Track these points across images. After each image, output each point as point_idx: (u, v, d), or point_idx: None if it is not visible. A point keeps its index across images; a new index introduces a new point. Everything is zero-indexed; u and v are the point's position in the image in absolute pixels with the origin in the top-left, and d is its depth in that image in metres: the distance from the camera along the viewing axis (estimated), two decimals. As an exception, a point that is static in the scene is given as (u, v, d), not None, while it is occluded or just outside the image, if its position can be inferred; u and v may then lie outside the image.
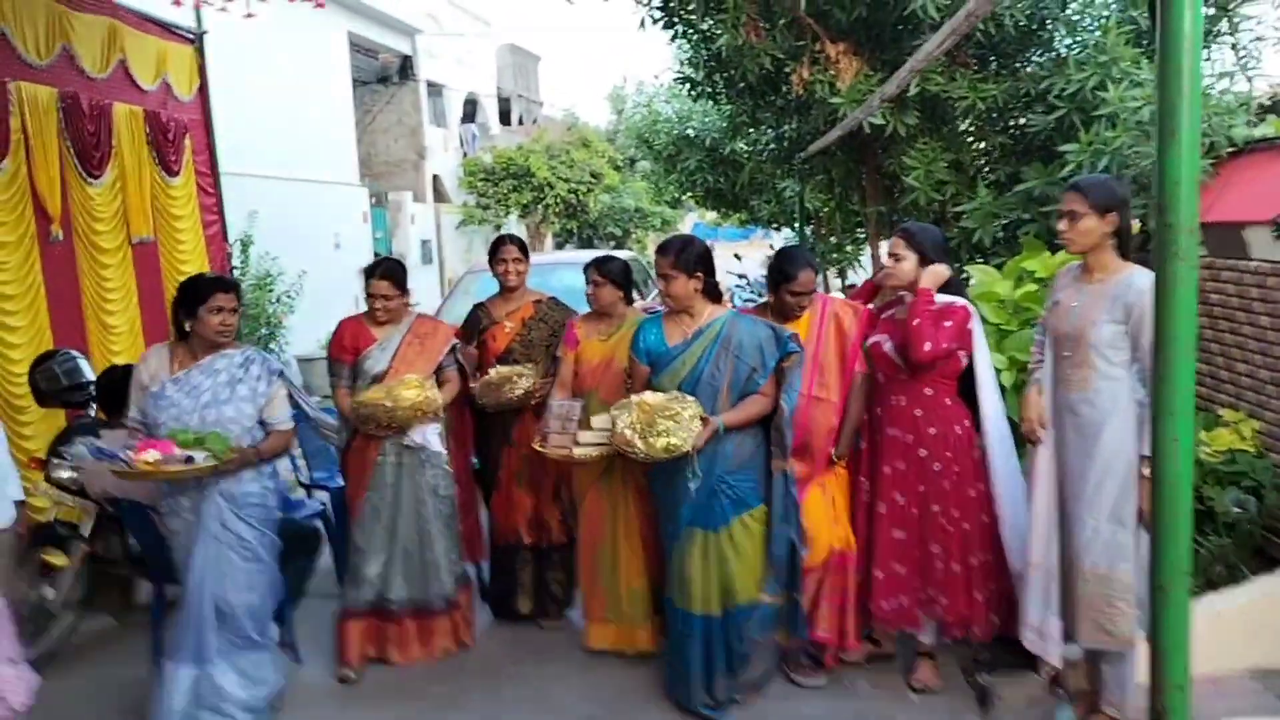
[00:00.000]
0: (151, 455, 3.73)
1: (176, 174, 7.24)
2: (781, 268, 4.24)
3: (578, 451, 4.25)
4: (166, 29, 7.33)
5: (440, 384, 4.64)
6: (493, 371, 4.84)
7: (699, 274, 4.09)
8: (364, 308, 4.73)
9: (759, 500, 4.04)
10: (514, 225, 26.84)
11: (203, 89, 7.76)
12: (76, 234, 6.13)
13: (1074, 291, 3.64)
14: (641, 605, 4.54)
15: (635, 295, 5.29)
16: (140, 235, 6.75)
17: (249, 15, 6.36)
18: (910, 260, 4.08)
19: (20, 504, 4.09)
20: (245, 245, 11.61)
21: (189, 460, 3.77)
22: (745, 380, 4.01)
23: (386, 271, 4.62)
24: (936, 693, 4.19)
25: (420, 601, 4.66)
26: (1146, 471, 3.12)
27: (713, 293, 4.19)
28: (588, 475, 4.58)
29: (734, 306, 4.56)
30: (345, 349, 4.63)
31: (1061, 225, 3.57)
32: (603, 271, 4.62)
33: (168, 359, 3.97)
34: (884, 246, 7.76)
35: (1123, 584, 3.50)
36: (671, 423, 3.79)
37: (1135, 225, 3.84)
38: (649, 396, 3.90)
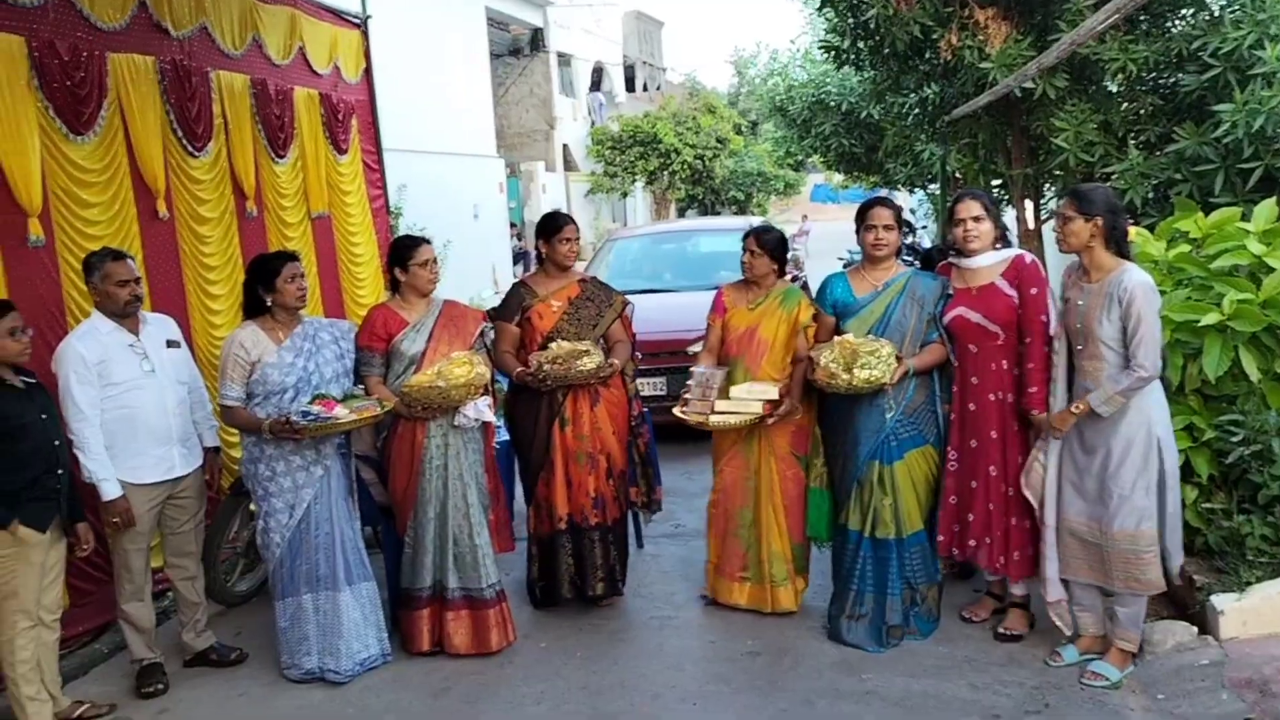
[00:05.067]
0: (343, 410, 4.22)
1: (345, 152, 7.74)
2: None
3: (713, 419, 4.59)
4: (337, 15, 7.82)
5: None
6: (553, 346, 4.71)
7: (902, 230, 4.69)
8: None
9: (927, 440, 4.48)
10: (639, 192, 27.21)
11: (368, 71, 8.24)
12: (266, 209, 6.68)
13: (1079, 291, 4.03)
14: (783, 566, 4.81)
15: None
16: (318, 210, 7.28)
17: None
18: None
19: (216, 451, 4.65)
20: (396, 217, 12.22)
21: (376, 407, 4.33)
22: (925, 328, 4.46)
23: (428, 240, 4.78)
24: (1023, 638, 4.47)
25: (474, 591, 4.54)
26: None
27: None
28: (725, 441, 4.85)
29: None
30: (378, 336, 4.56)
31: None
32: (761, 243, 4.80)
33: (264, 334, 4.37)
34: (1030, 206, 7.80)
35: (1148, 539, 3.96)
36: (873, 358, 4.24)
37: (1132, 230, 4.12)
38: (849, 338, 4.34)
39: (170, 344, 4.51)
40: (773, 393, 4.60)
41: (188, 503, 4.48)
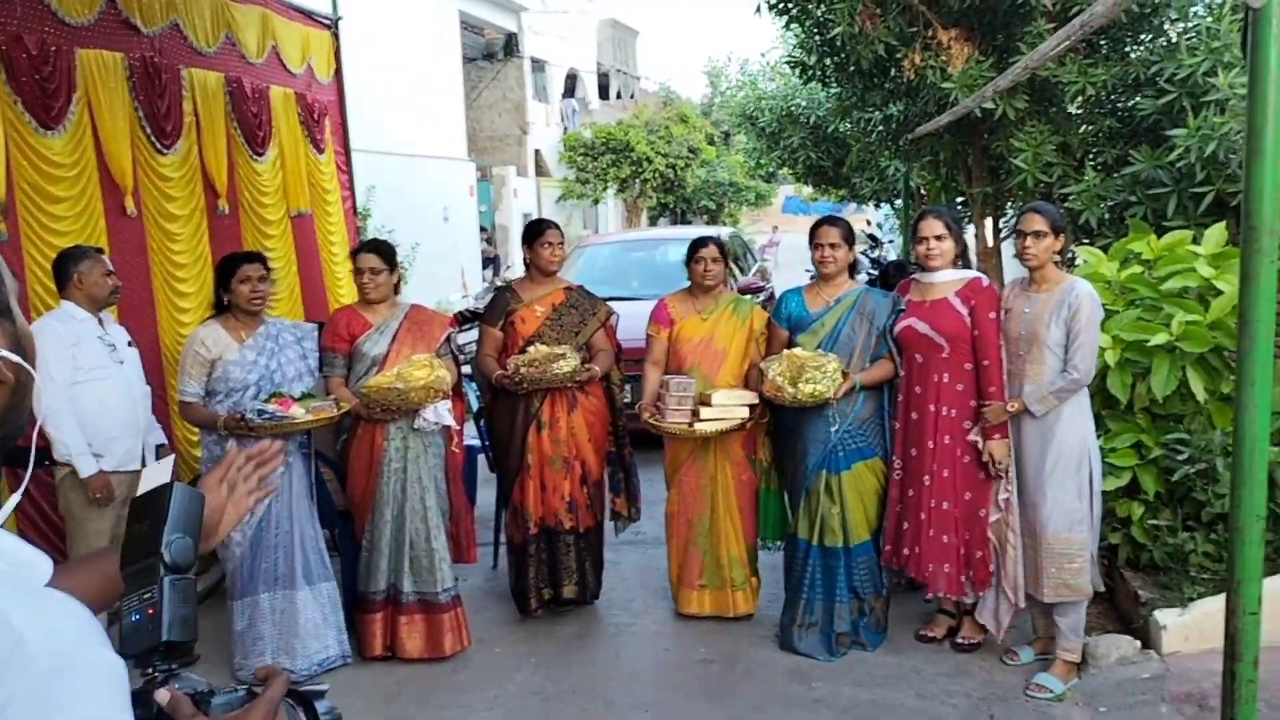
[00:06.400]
0: (299, 410, 4.23)
1: (323, 151, 7.74)
2: None
3: (700, 427, 4.63)
4: (308, 16, 7.82)
5: None
6: (531, 349, 4.76)
7: (852, 248, 4.71)
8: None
9: (874, 453, 4.56)
10: (611, 199, 27.27)
11: (338, 71, 8.24)
12: (242, 208, 6.66)
13: (1024, 300, 4.25)
14: (741, 570, 4.89)
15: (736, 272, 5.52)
16: (298, 208, 7.27)
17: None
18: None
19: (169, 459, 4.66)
20: (364, 218, 12.19)
21: (335, 406, 4.34)
22: (875, 343, 4.53)
23: (374, 246, 4.70)
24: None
25: (429, 595, 4.55)
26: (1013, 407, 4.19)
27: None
28: (683, 450, 4.89)
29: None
30: (341, 337, 4.57)
31: (1027, 243, 4.15)
32: (721, 249, 4.90)
33: (225, 332, 4.36)
34: (989, 224, 7.93)
35: (1079, 544, 4.15)
36: (818, 373, 4.31)
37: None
38: (798, 351, 4.43)
39: (129, 345, 4.54)
40: (753, 398, 4.66)
41: (143, 500, 4.48)
